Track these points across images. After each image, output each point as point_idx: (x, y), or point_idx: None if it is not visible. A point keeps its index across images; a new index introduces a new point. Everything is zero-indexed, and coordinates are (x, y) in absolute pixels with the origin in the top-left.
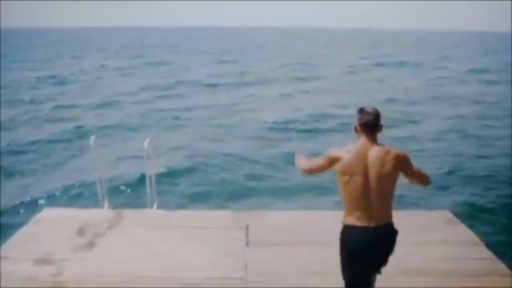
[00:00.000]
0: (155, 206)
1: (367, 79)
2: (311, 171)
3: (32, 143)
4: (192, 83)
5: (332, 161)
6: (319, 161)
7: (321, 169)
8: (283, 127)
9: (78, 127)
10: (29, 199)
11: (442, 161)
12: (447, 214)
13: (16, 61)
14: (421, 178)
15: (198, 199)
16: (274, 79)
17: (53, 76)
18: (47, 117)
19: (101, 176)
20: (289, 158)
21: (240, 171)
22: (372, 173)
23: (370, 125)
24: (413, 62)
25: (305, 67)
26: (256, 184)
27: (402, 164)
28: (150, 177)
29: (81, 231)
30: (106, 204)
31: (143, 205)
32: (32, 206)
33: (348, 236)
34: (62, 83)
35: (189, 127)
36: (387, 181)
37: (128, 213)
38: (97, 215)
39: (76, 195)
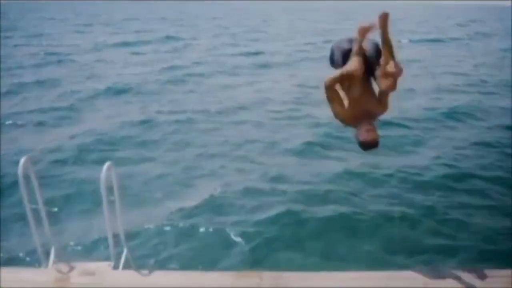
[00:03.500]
0: (121, 263)
1: (404, 59)
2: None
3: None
4: (202, 66)
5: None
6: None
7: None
8: (319, 129)
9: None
10: None
11: None
12: None
13: (13, 37)
14: None
15: (211, 246)
16: (298, 59)
17: (52, 54)
18: (39, 109)
19: (38, 215)
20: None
21: (277, 201)
22: None
23: None
24: (442, 37)
25: (328, 44)
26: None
27: None
28: (110, 220)
29: None
30: (51, 261)
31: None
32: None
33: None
34: (61, 61)
35: (203, 128)
36: None
37: (77, 275)
38: (32, 280)
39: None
